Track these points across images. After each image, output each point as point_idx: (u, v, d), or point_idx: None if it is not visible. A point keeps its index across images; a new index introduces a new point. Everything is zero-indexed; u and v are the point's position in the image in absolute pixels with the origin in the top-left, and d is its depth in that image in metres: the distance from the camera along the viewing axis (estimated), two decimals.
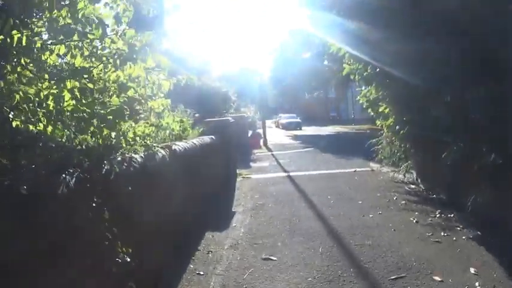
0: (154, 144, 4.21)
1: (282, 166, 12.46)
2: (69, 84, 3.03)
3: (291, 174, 10.77)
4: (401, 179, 9.16)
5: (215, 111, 17.80)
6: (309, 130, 36.12)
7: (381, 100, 8.83)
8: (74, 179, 2.24)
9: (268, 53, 49.80)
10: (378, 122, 9.68)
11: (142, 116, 4.56)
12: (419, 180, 8.64)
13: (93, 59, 3.40)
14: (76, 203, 2.26)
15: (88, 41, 3.24)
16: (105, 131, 3.12)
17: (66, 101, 3.00)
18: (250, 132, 19.77)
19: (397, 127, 8.20)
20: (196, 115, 9.89)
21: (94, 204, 2.42)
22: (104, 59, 3.37)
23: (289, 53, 40.09)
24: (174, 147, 4.99)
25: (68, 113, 3.03)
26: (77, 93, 3.03)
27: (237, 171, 11.08)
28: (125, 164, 3.12)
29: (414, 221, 5.88)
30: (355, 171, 11.00)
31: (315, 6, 9.38)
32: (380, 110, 8.92)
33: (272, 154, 16.09)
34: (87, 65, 3.32)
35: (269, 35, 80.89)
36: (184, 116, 8.75)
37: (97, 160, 2.72)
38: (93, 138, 3.11)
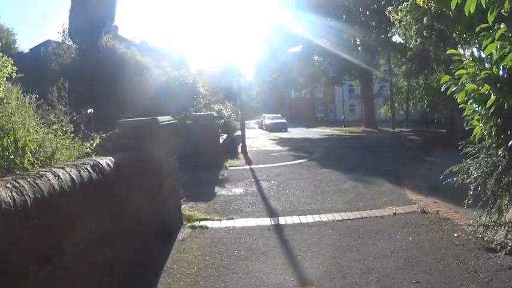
0: None
1: (264, 198, 7.40)
2: None
3: (282, 221, 5.75)
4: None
5: (176, 108, 12.87)
6: (296, 132, 31.22)
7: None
8: None
9: (252, 47, 44.92)
10: (477, 126, 4.56)
11: None
12: None
13: None
14: None
15: None
16: None
17: None
18: (224, 137, 14.77)
19: None
20: (90, 111, 4.88)
21: None
22: None
23: (274, 47, 35.19)
24: None
25: None
26: None
27: (184, 211, 6.06)
28: None
29: None
30: (395, 213, 6.05)
31: None
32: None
33: (251, 169, 11.06)
34: None
35: (253, 29, 75.79)
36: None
37: None
38: None
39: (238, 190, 8.20)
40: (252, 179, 9.41)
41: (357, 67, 31.07)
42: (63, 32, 18.91)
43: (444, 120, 29.52)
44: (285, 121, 36.17)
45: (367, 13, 31.94)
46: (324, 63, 32.93)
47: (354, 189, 7.86)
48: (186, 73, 15.12)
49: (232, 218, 5.95)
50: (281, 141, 21.31)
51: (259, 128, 39.40)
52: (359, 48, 32.14)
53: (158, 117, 4.90)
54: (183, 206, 6.78)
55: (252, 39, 73.15)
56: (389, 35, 32.68)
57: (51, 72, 14.93)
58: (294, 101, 58.00)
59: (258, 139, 23.22)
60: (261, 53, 38.71)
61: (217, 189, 8.34)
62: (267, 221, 5.77)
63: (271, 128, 33.73)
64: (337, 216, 5.93)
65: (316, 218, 5.85)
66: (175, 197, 5.44)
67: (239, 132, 28.78)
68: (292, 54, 33.09)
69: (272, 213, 6.25)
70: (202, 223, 5.72)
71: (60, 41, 19.17)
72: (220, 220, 5.88)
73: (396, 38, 34.03)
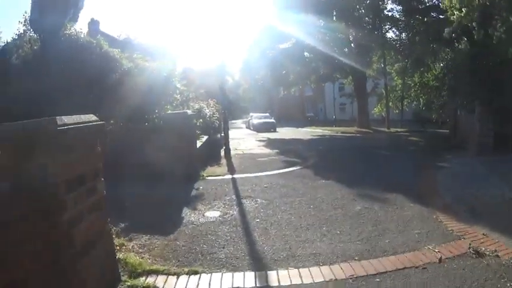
0: None
1: (247, 230, 5.25)
2: None
3: (274, 280, 3.65)
4: None
5: (148, 106, 10.84)
6: (285, 133, 29.20)
7: None
8: None
9: (240, 45, 42.84)
10: None
11: None
12: None
13: None
14: None
15: None
16: None
17: None
18: (204, 139, 12.65)
19: None
20: None
21: None
22: None
23: (263, 43, 33.11)
24: None
25: None
26: None
27: (129, 256, 3.99)
28: None
29: None
30: (440, 260, 4.05)
31: None
32: None
33: (234, 180, 8.97)
34: None
35: (242, 26, 73.45)
36: None
37: None
38: None
39: (213, 214, 6.09)
40: (233, 196, 7.31)
41: (349, 64, 29.21)
42: (25, 21, 16.63)
43: (448, 120, 27.81)
44: (273, 121, 34.10)
45: (361, 9, 30.11)
46: (314, 60, 30.93)
47: (369, 214, 5.81)
48: (159, 65, 12.92)
49: (196, 272, 3.84)
50: (270, 143, 19.24)
51: (247, 128, 37.28)
52: (352, 44, 30.26)
53: (59, 118, 2.78)
54: (131, 244, 4.70)
55: (241, 36, 71.14)
56: (383, 31, 30.91)
57: (12, 67, 12.90)
58: (283, 100, 56.06)
59: (244, 140, 21.13)
60: (249, 50, 36.66)
61: (185, 212, 6.22)
62: (249, 280, 3.67)
63: (259, 128, 31.65)
64: (357, 267, 3.86)
65: (326, 272, 3.78)
66: (100, 250, 3.30)
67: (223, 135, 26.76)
68: (281, 51, 31.04)
69: (257, 261, 4.15)
70: (150, 281, 3.62)
71: (22, 31, 16.87)
72: (178, 276, 3.78)
73: (390, 35, 32.32)
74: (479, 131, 12.31)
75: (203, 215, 6.06)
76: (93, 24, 31.92)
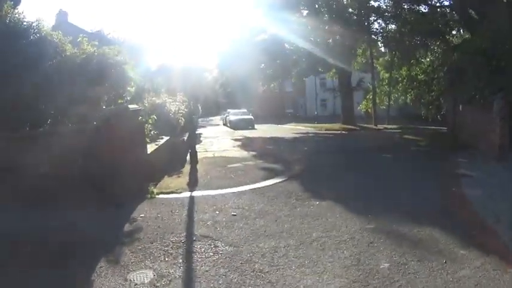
0: None
1: None
2: None
3: None
4: None
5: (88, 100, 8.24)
6: (264, 130, 26.65)
7: None
8: None
9: (218, 39, 40.11)
10: None
11: None
12: None
13: None
14: None
15: None
16: None
17: None
18: (162, 141, 10.01)
19: None
20: None
21: None
22: None
23: (241, 36, 30.46)
24: None
25: None
26: None
27: None
28: None
29: None
30: None
31: None
32: None
33: (191, 200, 6.39)
34: None
35: (221, 19, 70.44)
36: None
37: None
38: None
39: (141, 278, 3.53)
40: (183, 234, 4.73)
41: (333, 56, 26.86)
42: None
43: (438, 116, 25.77)
44: (251, 117, 31.48)
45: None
46: (296, 52, 28.39)
47: (409, 283, 3.32)
48: (110, 50, 10.16)
49: None
50: (247, 143, 16.63)
51: (224, 125, 34.60)
52: (337, 36, 27.88)
53: None
54: None
55: (220, 31, 68.23)
56: (369, 22, 28.65)
57: None
58: (262, 96, 53.44)
59: (218, 140, 18.48)
60: (225, 43, 34.01)
61: (98, 272, 3.63)
62: None
63: (236, 125, 28.99)
64: None
65: None
66: None
67: (201, 131, 24.00)
68: (259, 43, 28.42)
69: None
70: None
71: None
72: None
73: (376, 27, 30.06)
74: (500, 131, 9.98)
75: (125, 279, 3.48)
76: (61, 15, 29.04)
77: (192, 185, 7.72)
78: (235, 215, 5.43)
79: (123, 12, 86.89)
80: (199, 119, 42.56)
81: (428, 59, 27.31)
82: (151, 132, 10.23)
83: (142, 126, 7.73)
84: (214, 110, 62.14)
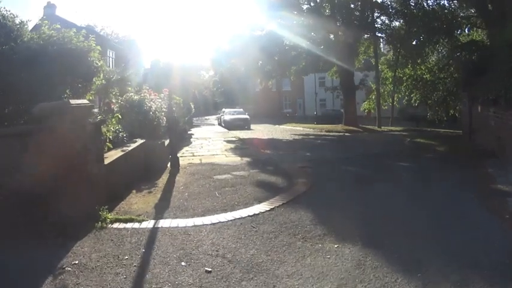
0: None
1: None
2: None
3: None
4: None
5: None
6: (260, 130, 24.64)
7: None
8: None
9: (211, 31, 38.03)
10: None
11: None
12: None
13: None
14: None
15: None
16: None
17: None
18: (130, 148, 7.96)
19: None
20: None
21: None
22: None
23: (238, 30, 28.41)
24: None
25: None
26: None
27: None
28: None
29: None
30: None
31: None
32: None
33: (151, 237, 4.37)
34: None
35: (218, 15, 68.29)
36: None
37: None
38: None
39: None
40: None
41: (335, 53, 24.89)
42: None
43: (443, 118, 23.85)
44: (247, 117, 29.40)
45: None
46: (295, 48, 26.30)
47: None
48: (73, 34, 8.09)
49: None
50: (240, 146, 14.56)
51: (219, 124, 32.54)
52: (339, 32, 25.89)
53: None
54: None
55: (217, 28, 65.95)
56: (373, 18, 26.67)
57: None
58: (259, 95, 51.50)
59: (209, 142, 16.41)
60: (222, 39, 31.91)
61: None
62: None
63: (231, 125, 26.96)
64: None
65: None
66: None
67: (194, 131, 21.94)
68: (257, 38, 26.40)
69: None
70: None
71: None
72: None
73: (379, 24, 28.02)
74: None
75: None
76: (49, 8, 27.72)
77: (162, 207, 5.69)
78: (209, 271, 3.41)
79: (117, 8, 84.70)
80: (194, 118, 40.44)
81: (435, 57, 25.52)
82: (120, 135, 8.21)
83: (97, 128, 5.69)
84: (211, 109, 60.17)
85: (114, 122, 7.32)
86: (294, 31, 24.28)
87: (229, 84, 47.57)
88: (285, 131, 23.97)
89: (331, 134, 21.06)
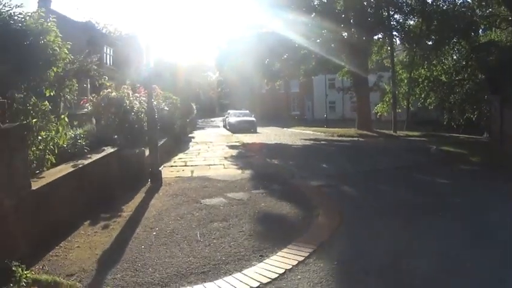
0: None
1: None
2: None
3: None
4: None
5: None
6: (267, 134, 22.48)
7: None
8: None
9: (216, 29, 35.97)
10: None
11: None
12: None
13: None
14: None
15: None
16: None
17: None
18: (98, 157, 5.89)
19: None
20: None
21: None
22: None
23: (244, 27, 26.29)
24: None
25: None
26: None
27: None
28: None
29: None
30: None
31: None
32: None
33: None
34: None
35: (218, 8, 66.06)
36: None
37: None
38: None
39: None
40: None
41: (348, 52, 22.69)
42: None
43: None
44: (253, 119, 27.16)
45: None
46: (305, 46, 24.07)
47: None
48: (26, 15, 5.99)
49: None
50: (243, 153, 12.36)
51: (224, 127, 30.37)
52: (352, 30, 23.69)
53: None
54: None
55: (220, 23, 63.75)
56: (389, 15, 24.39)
57: None
58: (267, 96, 49.28)
59: (209, 147, 14.25)
60: (228, 37, 29.82)
61: None
62: None
63: (236, 128, 24.76)
64: None
65: None
66: None
67: (196, 133, 20.20)
68: (264, 35, 24.22)
69: None
70: None
71: None
72: None
73: (393, 23, 25.70)
74: None
75: None
76: (43, 1, 25.89)
77: (109, 260, 3.57)
78: None
79: (120, 6, 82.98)
80: (199, 120, 38.23)
81: (451, 58, 23.35)
82: (79, 142, 6.11)
83: (12, 136, 3.60)
84: (217, 110, 58.13)
85: (63, 125, 5.19)
86: (304, 29, 22.12)
87: (235, 85, 45.48)
88: (294, 135, 21.76)
89: (344, 139, 18.78)
